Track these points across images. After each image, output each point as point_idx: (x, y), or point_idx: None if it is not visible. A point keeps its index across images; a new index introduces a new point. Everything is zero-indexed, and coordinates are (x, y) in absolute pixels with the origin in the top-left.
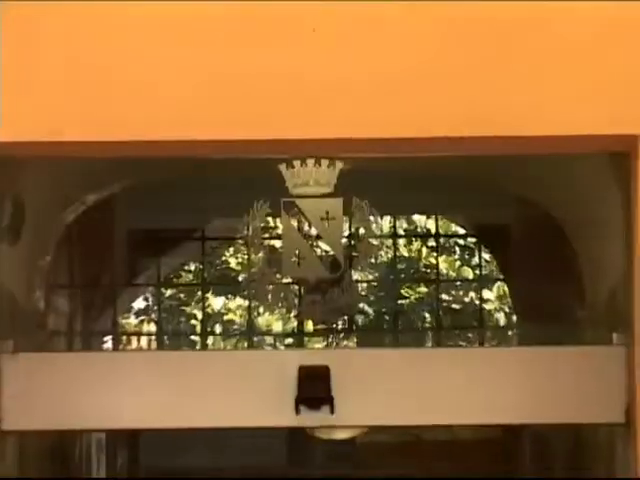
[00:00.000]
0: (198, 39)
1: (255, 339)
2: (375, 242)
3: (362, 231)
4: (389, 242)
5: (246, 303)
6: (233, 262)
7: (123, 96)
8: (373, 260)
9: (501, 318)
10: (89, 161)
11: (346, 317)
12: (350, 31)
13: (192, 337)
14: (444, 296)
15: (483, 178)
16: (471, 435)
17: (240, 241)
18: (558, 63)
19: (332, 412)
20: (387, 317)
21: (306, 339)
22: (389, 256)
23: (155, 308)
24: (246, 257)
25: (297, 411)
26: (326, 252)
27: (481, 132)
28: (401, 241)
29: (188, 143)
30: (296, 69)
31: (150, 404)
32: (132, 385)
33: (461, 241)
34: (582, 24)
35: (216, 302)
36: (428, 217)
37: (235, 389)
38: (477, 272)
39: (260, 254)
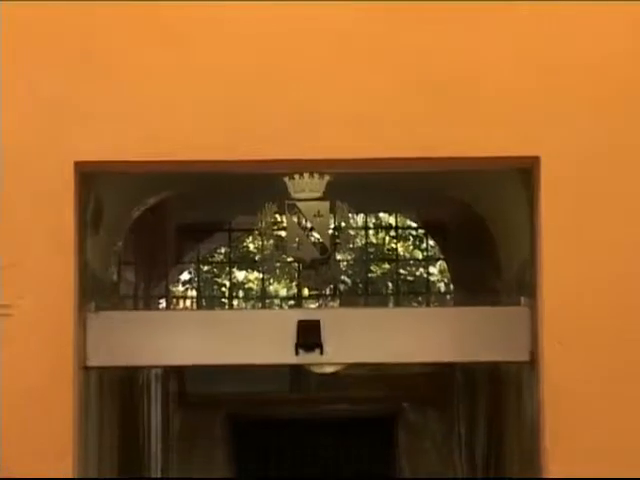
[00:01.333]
0: (222, 78)
1: (267, 302)
2: (352, 233)
3: (342, 225)
4: (362, 233)
5: (260, 276)
6: (251, 246)
7: (166, 126)
8: (351, 246)
9: (442, 287)
10: (148, 174)
11: (332, 286)
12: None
13: (222, 300)
14: (401, 271)
15: (428, 186)
16: (418, 369)
17: (256, 232)
18: (473, 95)
19: (322, 353)
20: (360, 286)
21: (303, 301)
22: (362, 242)
23: (196, 279)
24: (260, 243)
25: (297, 353)
26: (317, 240)
27: (418, 154)
28: (370, 232)
29: (216, 162)
30: (296, 102)
31: (192, 347)
32: (180, 334)
33: (413, 232)
34: (490, 53)
35: (239, 275)
36: (390, 214)
37: (253, 337)
38: (425, 254)
39: (270, 241)
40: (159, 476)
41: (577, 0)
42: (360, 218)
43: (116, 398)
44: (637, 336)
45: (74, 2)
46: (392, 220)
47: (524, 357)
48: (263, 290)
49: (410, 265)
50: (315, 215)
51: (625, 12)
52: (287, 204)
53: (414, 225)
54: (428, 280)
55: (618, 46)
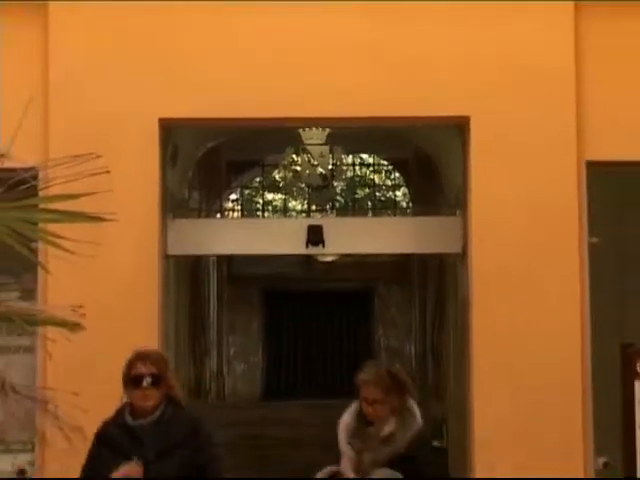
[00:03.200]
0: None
1: (287, 213)
2: (344, 168)
3: (337, 162)
4: (350, 168)
5: (283, 196)
6: (277, 176)
7: (222, 94)
8: (343, 176)
9: (404, 204)
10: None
11: (330, 203)
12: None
13: (257, 212)
14: (377, 194)
15: (396, 135)
16: (387, 259)
17: (280, 166)
18: (420, 71)
19: (323, 247)
20: (349, 202)
21: (311, 213)
22: (349, 174)
23: (240, 198)
24: (283, 174)
25: (307, 247)
26: (321, 172)
27: (380, 114)
28: (356, 167)
29: (255, 119)
30: (306, 81)
31: (238, 242)
32: (230, 234)
33: (385, 167)
34: (433, 40)
35: (268, 196)
36: (369, 155)
37: (278, 236)
38: (392, 182)
39: (290, 173)
40: (215, 333)
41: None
42: (349, 158)
43: (187, 277)
44: (539, 233)
45: None
46: (371, 159)
47: (458, 250)
48: (285, 206)
49: (383, 190)
50: (319, 155)
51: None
52: (301, 148)
53: (385, 162)
54: (395, 200)
55: (533, 29)
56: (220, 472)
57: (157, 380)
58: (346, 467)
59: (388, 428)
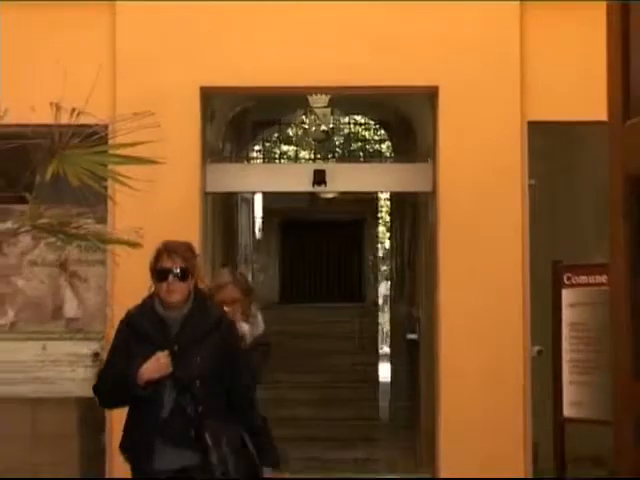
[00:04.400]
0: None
1: (298, 160)
2: (341, 126)
3: (336, 122)
4: (347, 126)
5: (294, 148)
6: (290, 132)
7: (252, 66)
8: (341, 133)
9: (387, 154)
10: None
11: (331, 153)
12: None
13: (275, 160)
14: (367, 146)
15: (383, 101)
16: (374, 197)
17: (293, 124)
18: (396, 47)
19: (325, 185)
20: (346, 152)
21: (317, 160)
22: (346, 131)
23: (262, 149)
24: (295, 130)
25: (313, 186)
26: (324, 129)
27: (363, 83)
28: (351, 125)
29: (275, 87)
30: (314, 61)
31: (260, 180)
32: (256, 176)
33: (373, 125)
34: (408, 21)
35: (284, 147)
36: (361, 116)
37: (291, 177)
38: (379, 137)
39: (300, 130)
40: (243, 253)
41: None
42: (346, 118)
43: (221, 210)
44: (490, 177)
45: None
46: (362, 120)
47: (429, 189)
48: (296, 155)
49: (371, 143)
50: (323, 116)
51: None
52: (308, 110)
53: (373, 122)
54: (380, 151)
55: (487, 14)
56: (251, 368)
57: (184, 274)
58: None
59: (240, 330)
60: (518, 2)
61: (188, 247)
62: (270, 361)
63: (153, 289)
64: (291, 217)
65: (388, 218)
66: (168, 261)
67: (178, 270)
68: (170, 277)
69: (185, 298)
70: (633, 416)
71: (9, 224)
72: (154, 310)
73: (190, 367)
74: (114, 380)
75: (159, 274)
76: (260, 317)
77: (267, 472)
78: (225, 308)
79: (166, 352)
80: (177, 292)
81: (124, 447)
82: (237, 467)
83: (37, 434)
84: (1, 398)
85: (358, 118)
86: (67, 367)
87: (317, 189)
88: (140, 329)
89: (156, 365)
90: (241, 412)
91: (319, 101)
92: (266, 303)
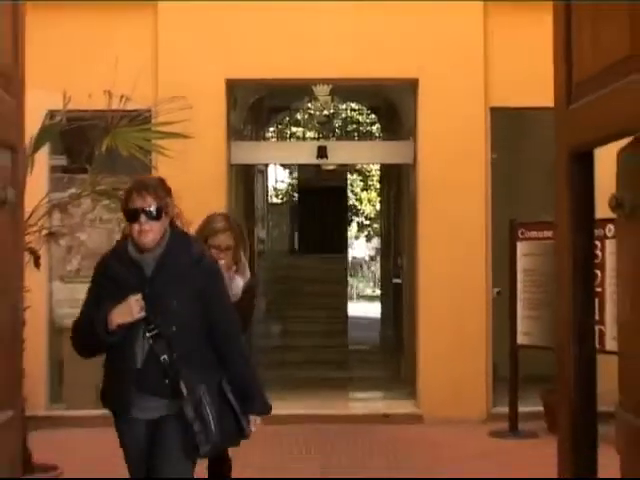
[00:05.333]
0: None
1: (305, 138)
2: (340, 111)
3: (336, 107)
4: (344, 111)
5: (302, 129)
6: (299, 116)
7: (268, 63)
8: (340, 116)
9: (377, 134)
10: (258, 83)
11: (332, 133)
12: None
13: (286, 139)
14: (360, 128)
15: (374, 90)
16: (367, 167)
17: (300, 109)
18: (381, 43)
19: (327, 159)
20: (344, 132)
21: (320, 139)
22: (344, 115)
23: (275, 130)
24: (302, 115)
25: (317, 159)
26: (326, 114)
27: (352, 75)
28: (348, 111)
29: (286, 79)
30: (316, 56)
31: (274, 153)
32: (271, 151)
33: (366, 110)
34: (392, 23)
35: (294, 129)
36: (356, 103)
37: (300, 152)
38: (371, 120)
39: (306, 114)
40: (260, 214)
41: None
42: (344, 105)
43: (243, 180)
44: (460, 152)
45: None
46: (357, 106)
47: (410, 162)
48: (303, 134)
49: (364, 125)
50: (325, 103)
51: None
52: (313, 97)
53: (366, 108)
54: (372, 131)
55: (456, 17)
56: (236, 318)
57: (157, 213)
58: None
59: (236, 288)
60: (482, 8)
61: (159, 183)
62: (255, 305)
63: (126, 231)
64: (299, 184)
65: (378, 185)
66: (138, 200)
67: (150, 209)
68: (142, 217)
69: (159, 238)
70: (571, 342)
71: (73, 190)
72: (127, 252)
73: (165, 311)
74: (85, 326)
75: (130, 214)
76: (247, 265)
77: (252, 420)
78: (220, 254)
79: (138, 295)
80: (150, 232)
81: (103, 397)
82: (213, 416)
83: None
84: (68, 328)
85: (354, 105)
86: None
87: (320, 162)
88: (113, 273)
89: (127, 308)
90: (224, 360)
91: (322, 91)
92: (278, 254)
